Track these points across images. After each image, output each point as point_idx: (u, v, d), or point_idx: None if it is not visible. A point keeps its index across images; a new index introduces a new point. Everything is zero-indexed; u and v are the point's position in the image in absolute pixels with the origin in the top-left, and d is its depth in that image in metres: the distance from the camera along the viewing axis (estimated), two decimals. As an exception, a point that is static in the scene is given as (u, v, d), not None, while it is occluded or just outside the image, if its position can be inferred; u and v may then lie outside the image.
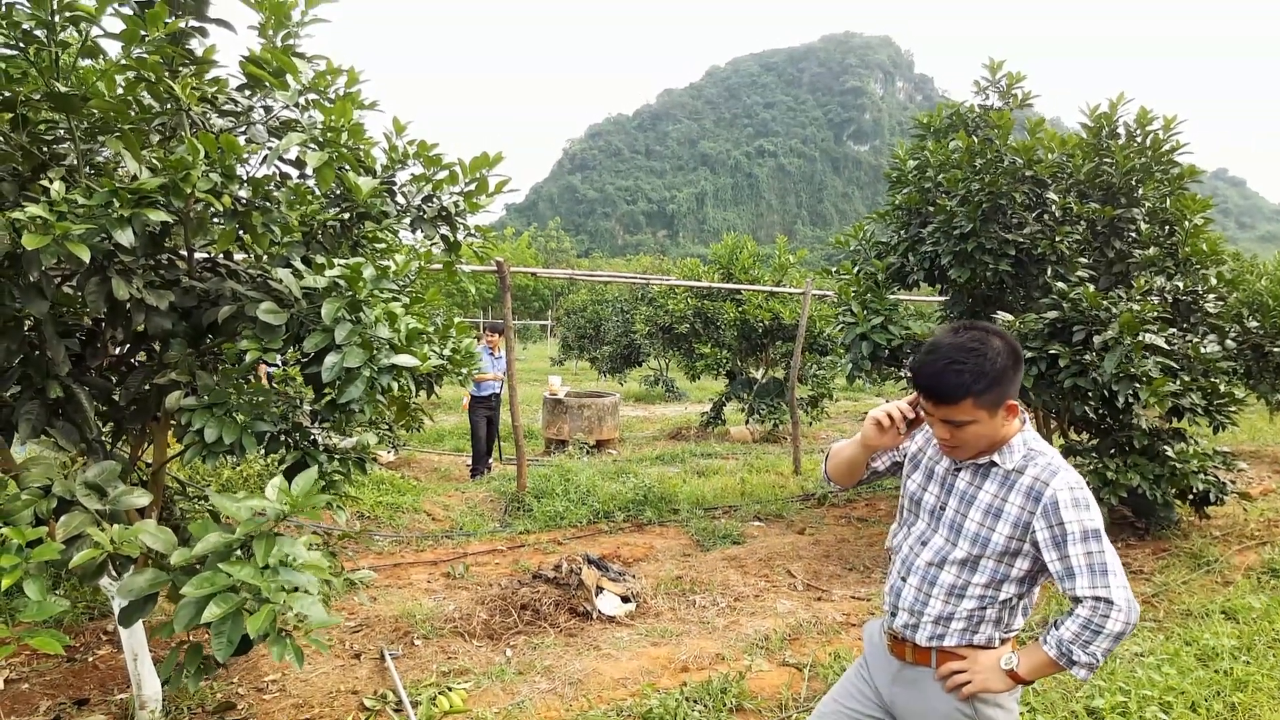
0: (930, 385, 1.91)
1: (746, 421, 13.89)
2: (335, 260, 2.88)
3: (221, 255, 3.30)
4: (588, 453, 11.16)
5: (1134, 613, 1.84)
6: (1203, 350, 6.07)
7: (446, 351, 3.44)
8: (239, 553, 2.15)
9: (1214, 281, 6.82)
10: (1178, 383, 5.71)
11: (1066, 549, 1.87)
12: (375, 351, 2.81)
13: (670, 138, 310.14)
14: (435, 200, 3.68)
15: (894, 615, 2.15)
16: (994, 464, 2.01)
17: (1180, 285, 6.69)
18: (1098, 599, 1.84)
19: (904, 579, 2.14)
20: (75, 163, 2.66)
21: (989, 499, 2.00)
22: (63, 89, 2.38)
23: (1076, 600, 1.88)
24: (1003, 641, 2.07)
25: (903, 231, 7.30)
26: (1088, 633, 1.85)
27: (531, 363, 29.61)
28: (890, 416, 2.08)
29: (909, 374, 2.03)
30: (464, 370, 3.50)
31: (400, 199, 3.63)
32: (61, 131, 2.68)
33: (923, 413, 2.02)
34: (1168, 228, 6.95)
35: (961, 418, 1.90)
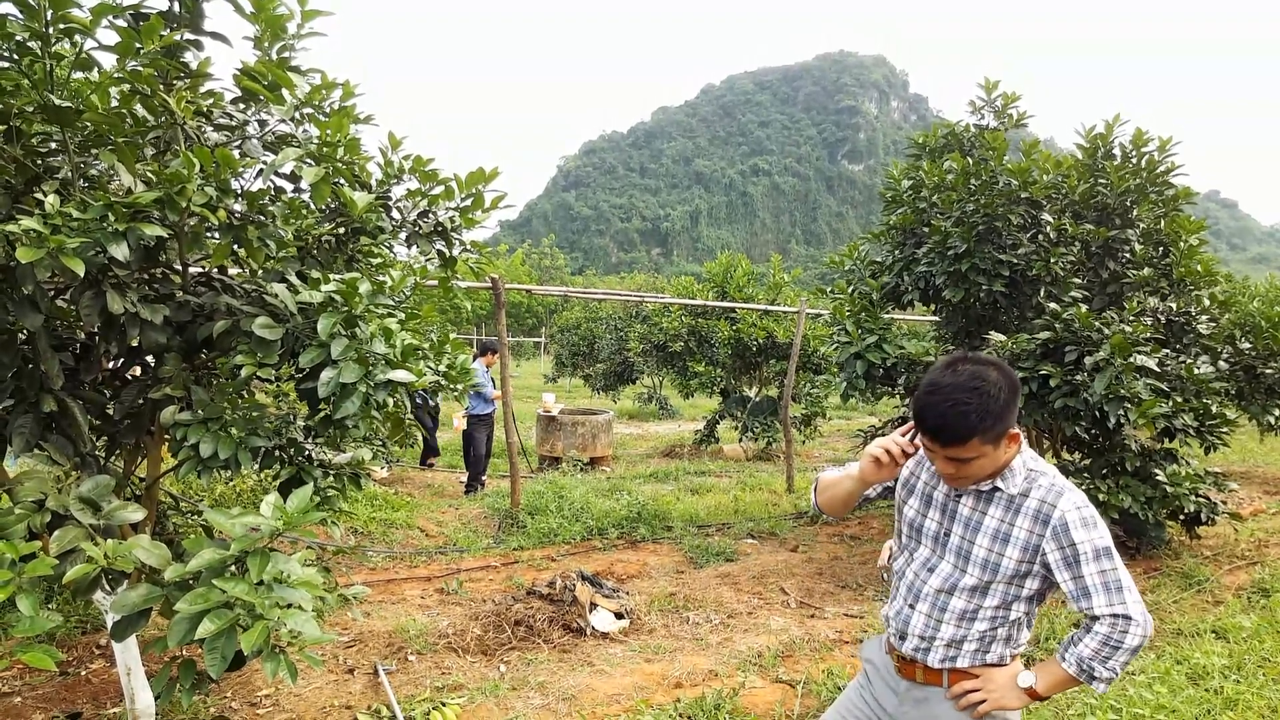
0: (937, 428, 1.89)
1: (740, 439, 13.87)
2: (331, 275, 2.88)
3: (216, 269, 3.30)
4: (581, 470, 11.14)
5: (1149, 625, 1.87)
6: (1195, 371, 6.08)
7: (441, 367, 3.43)
8: (233, 568, 2.14)
9: (1207, 303, 6.85)
10: (1170, 404, 5.72)
11: (1080, 569, 1.89)
12: (371, 367, 2.80)
13: (665, 155, 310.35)
14: (431, 215, 3.69)
15: (902, 639, 2.15)
16: (997, 489, 2.00)
17: (1173, 306, 6.72)
18: (1116, 616, 1.86)
19: (912, 606, 2.13)
20: (69, 176, 2.66)
21: (995, 524, 2.00)
22: (57, 101, 2.37)
23: (1094, 618, 1.90)
24: (1013, 658, 2.08)
25: (897, 251, 7.32)
26: (1107, 649, 1.88)
27: (525, 380, 29.56)
28: (888, 452, 2.03)
29: (911, 416, 2.01)
30: (458, 386, 3.49)
31: (396, 214, 3.64)
32: (55, 144, 2.68)
33: (923, 447, 2.00)
34: (1161, 249, 6.98)
35: (968, 455, 1.90)
